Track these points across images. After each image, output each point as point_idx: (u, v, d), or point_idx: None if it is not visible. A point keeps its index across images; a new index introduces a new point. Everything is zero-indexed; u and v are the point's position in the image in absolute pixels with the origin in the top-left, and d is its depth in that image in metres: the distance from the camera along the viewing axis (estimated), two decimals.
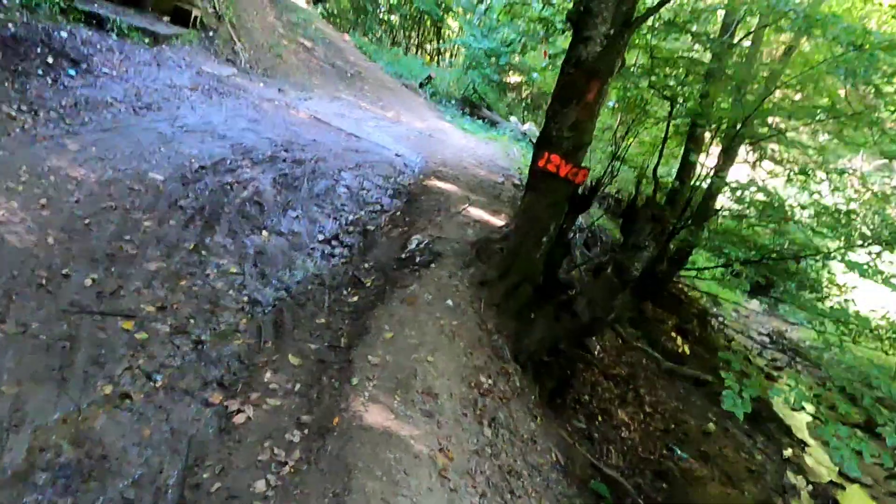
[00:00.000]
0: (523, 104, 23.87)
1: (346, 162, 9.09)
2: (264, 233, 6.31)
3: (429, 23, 31.91)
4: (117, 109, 7.42)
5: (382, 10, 32.23)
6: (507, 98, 24.15)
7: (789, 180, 8.58)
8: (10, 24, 7.68)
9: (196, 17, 12.07)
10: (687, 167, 11.19)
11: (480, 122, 19.30)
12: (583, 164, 6.08)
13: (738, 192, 6.88)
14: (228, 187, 6.77)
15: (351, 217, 7.47)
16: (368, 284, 5.90)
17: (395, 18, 32.91)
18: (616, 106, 13.05)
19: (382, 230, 7.31)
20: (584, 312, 5.83)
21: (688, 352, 9.84)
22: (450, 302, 5.71)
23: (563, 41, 13.50)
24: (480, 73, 21.79)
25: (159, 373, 4.09)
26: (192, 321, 4.69)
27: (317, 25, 25.63)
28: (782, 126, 9.64)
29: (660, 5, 6.23)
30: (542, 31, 10.60)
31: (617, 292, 5.67)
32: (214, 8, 13.42)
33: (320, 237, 6.76)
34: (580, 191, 6.28)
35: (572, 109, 5.86)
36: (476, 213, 8.27)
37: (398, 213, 7.97)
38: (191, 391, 4.02)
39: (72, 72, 7.69)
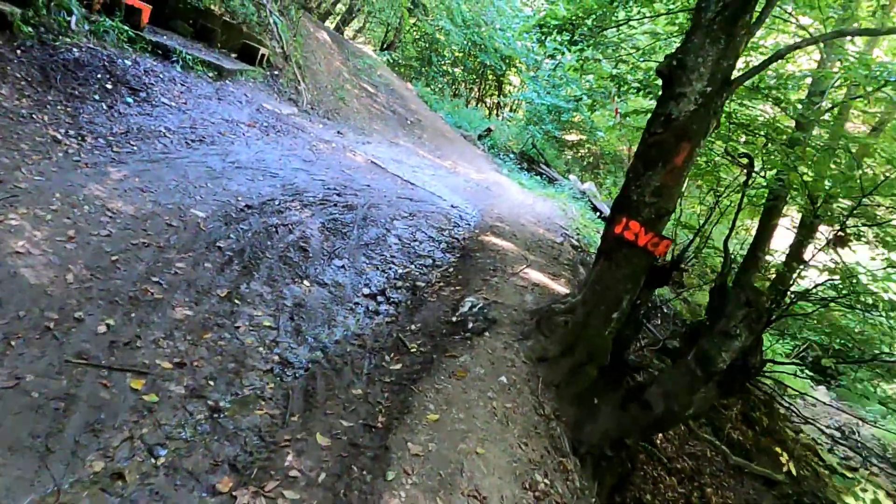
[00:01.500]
0: (584, 163, 23.20)
1: (399, 210, 8.48)
2: (306, 282, 5.67)
3: (491, 77, 31.80)
4: (169, 140, 6.98)
5: (446, 61, 32.30)
6: (565, 155, 23.54)
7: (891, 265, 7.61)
8: (74, 49, 7.39)
9: (263, 56, 11.82)
10: (763, 241, 10.25)
11: (538, 178, 18.66)
12: (664, 234, 5.32)
13: (833, 278, 5.98)
14: (273, 230, 6.19)
15: (400, 270, 6.81)
16: (414, 350, 5.17)
17: (458, 71, 32.93)
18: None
19: (433, 287, 6.61)
20: (657, 404, 4.97)
21: (755, 443, 8.78)
22: (504, 379, 4.93)
23: (633, 101, 12.84)
24: (541, 128, 21.27)
25: (163, 447, 3.41)
26: (211, 383, 4.01)
27: (381, 72, 25.66)
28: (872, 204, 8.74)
29: (766, 63, 5.50)
30: (613, 89, 9.93)
31: (699, 385, 4.81)
32: (282, 48, 13.21)
33: (366, 291, 6.09)
34: (659, 263, 5.50)
35: (657, 173, 5.12)
36: (534, 275, 7.52)
37: (451, 269, 7.28)
38: (196, 474, 3.31)
39: (129, 99, 7.32)
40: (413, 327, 5.63)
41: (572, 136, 24.24)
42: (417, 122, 20.62)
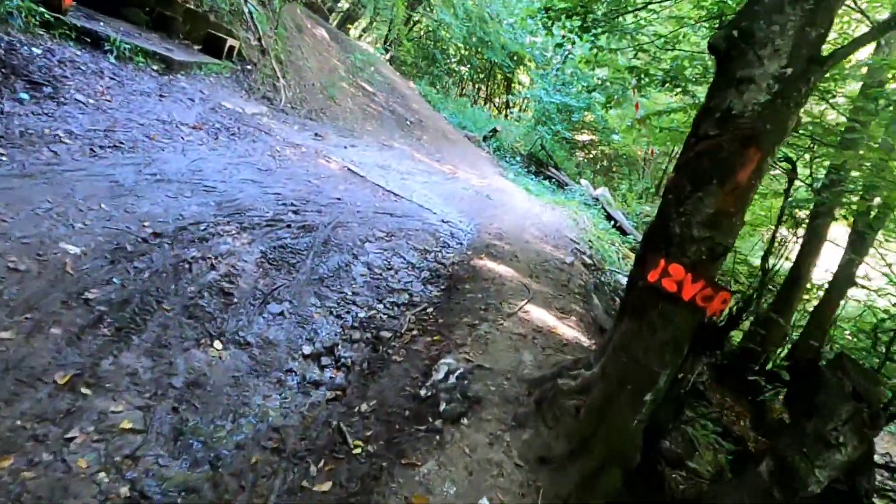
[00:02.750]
0: (597, 165, 21.42)
1: (374, 229, 6.83)
2: (217, 344, 4.02)
3: (499, 76, 30.08)
4: (66, 147, 5.35)
5: (452, 60, 30.61)
6: (576, 157, 21.80)
7: None
8: None
9: (232, 48, 10.20)
10: (807, 261, 8.51)
11: (547, 182, 16.96)
12: (720, 282, 3.64)
13: None
14: (186, 266, 4.55)
15: (362, 314, 5.15)
16: (358, 453, 3.51)
17: (464, 69, 31.23)
18: None
19: (402, 339, 4.94)
20: None
21: None
22: (486, 502, 3.27)
23: (652, 100, 11.13)
24: (550, 129, 19.55)
25: None
26: None
27: (382, 71, 23.99)
28: None
29: (870, 37, 3.78)
30: (632, 80, 8.22)
31: None
32: (259, 41, 11.58)
33: (306, 350, 4.44)
34: (711, 320, 3.81)
35: (711, 194, 3.42)
36: (537, 313, 5.83)
37: (430, 308, 5.61)
38: None
39: (24, 95, 5.70)
40: (364, 407, 3.97)
41: (584, 137, 22.48)
42: (418, 122, 18.97)
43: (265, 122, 8.82)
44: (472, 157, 16.93)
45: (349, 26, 30.60)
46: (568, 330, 5.68)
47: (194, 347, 3.89)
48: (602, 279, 9.47)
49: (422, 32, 29.24)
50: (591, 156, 22.63)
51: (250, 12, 11.53)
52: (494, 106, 31.36)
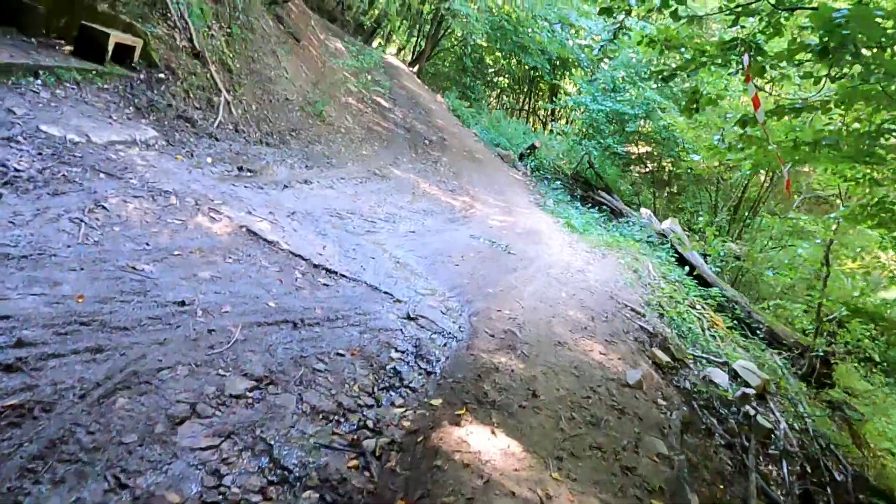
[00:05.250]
0: (667, 194, 17.18)
1: (233, 372, 3.22)
2: None
3: (542, 84, 26.22)
4: None
5: (489, 70, 26.91)
6: (631, 174, 17.73)
7: None
8: None
9: (127, 49, 6.81)
10: None
11: (595, 211, 13.03)
12: None
13: None
14: None
15: None
16: None
17: (502, 80, 27.48)
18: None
19: None
20: None
21: None
22: None
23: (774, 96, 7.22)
24: (598, 142, 15.59)
25: None
26: None
27: (406, 84, 20.57)
28: None
29: None
30: (743, 60, 4.37)
31: None
32: (191, 42, 8.17)
33: None
34: None
35: None
36: None
37: None
38: None
39: None
40: None
41: (639, 149, 18.33)
42: (439, 141, 15.37)
43: (129, 155, 5.31)
44: (500, 182, 13.17)
45: (379, 39, 27.40)
46: None
47: None
48: (688, 381, 5.68)
49: (454, 42, 25.70)
50: (649, 170, 18.47)
51: (176, 2, 8.13)
52: (539, 119, 27.50)
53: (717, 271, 10.23)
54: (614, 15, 5.99)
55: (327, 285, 4.65)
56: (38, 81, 5.53)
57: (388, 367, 3.89)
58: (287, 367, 3.47)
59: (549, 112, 25.26)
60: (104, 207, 4.26)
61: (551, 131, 21.60)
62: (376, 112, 15.43)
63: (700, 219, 12.73)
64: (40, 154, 4.54)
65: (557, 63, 22.32)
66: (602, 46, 6.09)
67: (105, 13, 7.08)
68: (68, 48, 6.59)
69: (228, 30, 9.51)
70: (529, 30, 18.89)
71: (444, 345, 4.46)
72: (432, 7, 21.95)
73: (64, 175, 4.42)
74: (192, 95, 7.79)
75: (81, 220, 3.99)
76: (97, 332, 3.13)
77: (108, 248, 3.85)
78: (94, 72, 6.28)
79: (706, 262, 10.20)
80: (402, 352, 4.14)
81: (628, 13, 6.18)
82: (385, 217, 7.21)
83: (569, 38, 19.02)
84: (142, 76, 7.11)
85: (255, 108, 9.16)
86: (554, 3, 18.09)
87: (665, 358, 5.84)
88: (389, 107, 16.84)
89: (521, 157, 16.89)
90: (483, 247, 7.39)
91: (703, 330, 7.59)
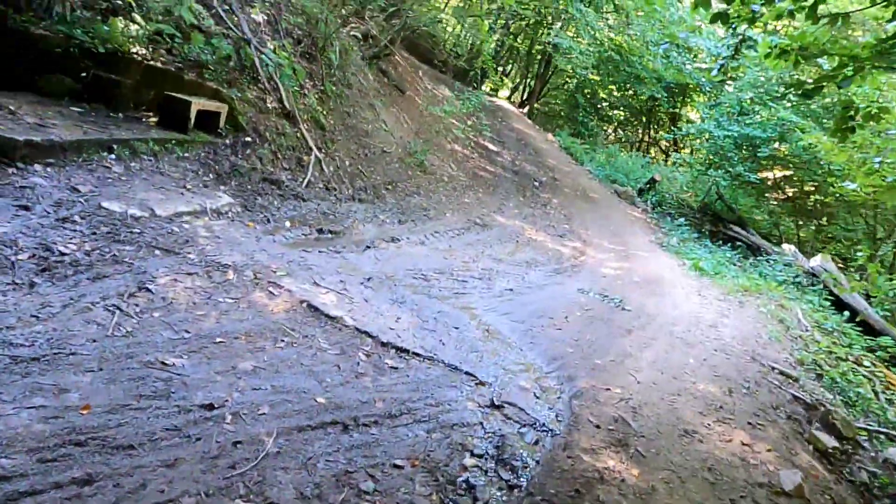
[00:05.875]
0: (814, 225, 15.10)
1: (273, 483, 2.56)
2: None
3: (662, 114, 24.64)
4: None
5: (604, 104, 25.74)
6: (768, 203, 15.85)
7: None
8: None
9: (211, 115, 6.66)
10: None
11: (727, 248, 11.54)
12: None
13: None
14: None
15: None
16: None
17: (618, 113, 26.18)
18: None
19: None
20: None
21: None
22: None
23: None
24: (727, 170, 14.03)
25: None
26: None
27: (514, 125, 20.00)
28: None
29: None
30: None
31: None
32: (281, 102, 7.98)
33: None
34: None
35: None
36: None
37: None
38: None
39: None
40: None
41: (776, 174, 16.36)
42: (550, 182, 14.54)
43: (195, 227, 4.94)
44: (616, 223, 12.05)
45: (489, 83, 27.17)
46: None
47: None
48: (864, 471, 4.42)
49: (565, 78, 24.85)
50: (789, 197, 16.41)
51: (265, 64, 7.99)
52: (661, 150, 25.81)
53: (885, 315, 8.48)
54: (733, 25, 4.98)
55: (395, 368, 3.92)
56: (112, 156, 5.35)
57: (458, 481, 3.07)
58: (326, 490, 2.75)
59: (671, 142, 23.64)
60: (148, 290, 3.82)
61: (673, 163, 20.03)
62: (483, 157, 14.88)
63: (858, 253, 10.84)
64: (94, 234, 4.23)
65: (676, 90, 20.86)
66: (722, 65, 5.11)
67: (192, 82, 6.99)
68: (154, 120, 6.51)
69: (322, 87, 9.31)
70: (644, 58, 17.71)
71: (535, 442, 3.56)
72: (541, 46, 21.34)
73: (114, 255, 4.05)
74: (280, 156, 7.53)
75: (117, 308, 3.55)
76: (93, 454, 2.57)
77: (139, 340, 3.37)
78: (173, 141, 6.10)
79: (870, 304, 8.50)
80: (480, 456, 3.30)
81: (751, 22, 5.12)
82: (479, 274, 6.44)
83: (686, 62, 17.62)
84: (227, 141, 6.92)
85: (349, 164, 8.82)
86: (667, 26, 16.85)
87: (830, 442, 4.56)
88: (497, 150, 16.26)
89: (641, 192, 15.62)
90: (593, 302, 6.40)
91: (875, 393, 6.10)
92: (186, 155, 6.21)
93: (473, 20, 15.84)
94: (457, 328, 4.79)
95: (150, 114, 6.59)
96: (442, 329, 4.68)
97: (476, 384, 4.03)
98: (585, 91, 22.49)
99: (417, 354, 4.15)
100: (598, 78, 23.67)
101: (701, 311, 7.00)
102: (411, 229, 7.58)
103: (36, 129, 4.88)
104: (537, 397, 4.08)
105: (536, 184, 14.12)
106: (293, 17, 9.64)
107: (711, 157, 14.88)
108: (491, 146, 16.32)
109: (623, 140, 25.31)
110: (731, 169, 13.66)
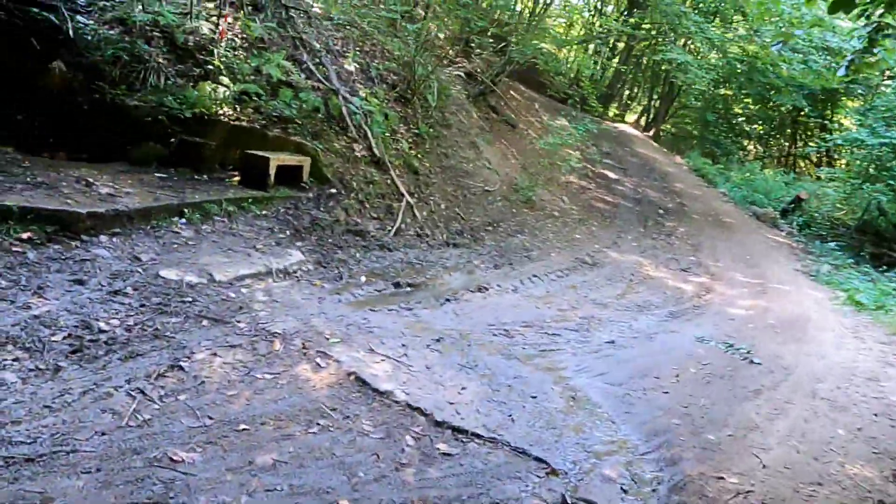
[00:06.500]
0: None
1: None
2: None
3: (809, 125, 22.09)
4: None
5: (738, 120, 23.63)
6: None
7: None
8: None
9: (293, 170, 6.53)
10: None
11: (894, 274, 9.76)
12: None
13: None
14: None
15: None
16: None
17: (757, 127, 23.91)
18: None
19: None
20: None
21: None
22: None
23: None
24: (888, 183, 12.07)
25: None
26: None
27: (638, 151, 18.89)
28: None
29: None
30: None
31: None
32: (370, 150, 7.78)
33: None
34: None
35: None
36: None
37: None
38: None
39: None
40: None
41: None
42: (677, 208, 13.34)
43: (254, 291, 4.65)
44: (753, 250, 10.62)
45: (614, 110, 26.04)
46: None
47: None
48: None
49: (694, 96, 23.15)
50: None
51: (353, 112, 7.80)
52: (811, 162, 23.11)
53: None
54: (864, 13, 3.97)
55: (448, 455, 3.30)
56: (182, 220, 5.25)
57: None
58: None
59: (821, 154, 21.14)
60: (181, 368, 3.50)
61: (819, 178, 17.79)
62: (601, 186, 13.96)
63: None
64: (143, 306, 4.03)
65: (822, 96, 18.64)
66: (852, 60, 4.09)
67: (276, 137, 6.92)
68: (236, 179, 6.45)
69: (416, 131, 9.01)
70: (776, 66, 15.99)
71: None
72: (661, 66, 20.04)
73: (155, 329, 3.81)
74: (367, 206, 7.24)
75: (141, 392, 3.25)
76: None
77: (153, 431, 3.02)
78: (250, 200, 5.96)
79: None
80: None
81: (891, 5, 4.07)
82: (576, 324, 5.65)
83: (828, 63, 15.67)
84: (310, 195, 6.73)
85: (444, 207, 8.39)
86: (788, 25, 15.07)
87: None
88: (617, 178, 15.24)
89: (784, 213, 13.88)
90: (713, 354, 5.38)
91: None
92: (265, 213, 6.04)
93: (584, 47, 15.09)
94: (534, 397, 4.07)
95: (235, 173, 6.55)
96: (515, 399, 3.99)
97: (546, 473, 3.30)
98: (717, 107, 20.75)
99: (477, 435, 3.50)
100: (730, 92, 21.86)
101: (857, 360, 5.71)
102: (506, 274, 6.94)
103: (105, 200, 4.87)
104: (625, 491, 3.27)
105: (660, 212, 12.95)
106: (387, 63, 9.49)
107: (868, 169, 12.91)
108: (610, 174, 15.34)
109: (765, 156, 23.01)
110: (892, 181, 11.71)
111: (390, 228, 7.13)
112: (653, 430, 3.94)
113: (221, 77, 7.08)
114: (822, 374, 5.19)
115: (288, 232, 5.97)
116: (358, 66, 8.96)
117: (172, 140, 6.43)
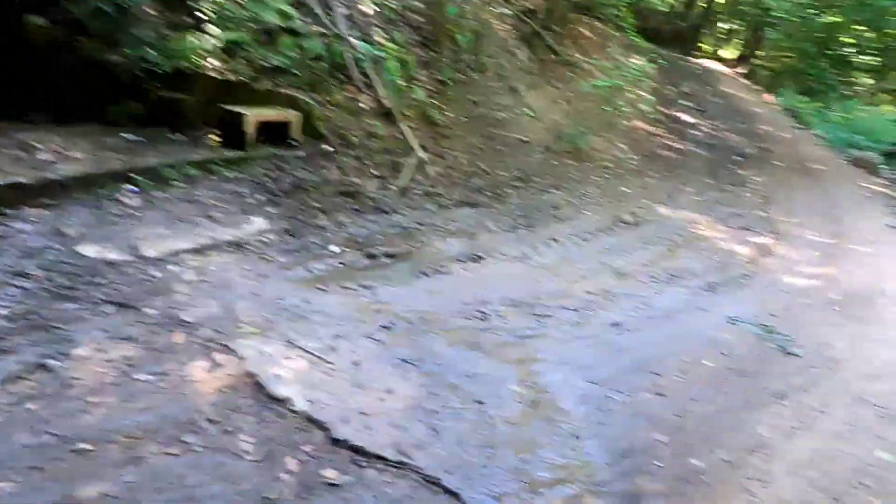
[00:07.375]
0: None
1: None
2: None
3: None
4: None
5: (849, 50, 20.70)
6: None
7: None
8: None
9: (278, 126, 5.90)
10: None
11: None
12: None
13: None
14: None
15: None
16: None
17: (869, 59, 20.88)
18: None
19: None
20: None
21: None
22: None
23: None
24: None
25: None
26: None
27: (724, 90, 16.99)
28: None
29: None
30: None
31: None
32: (378, 101, 7.02)
33: None
34: None
35: None
36: None
37: None
38: None
39: None
40: None
41: None
42: (758, 153, 11.81)
43: (185, 269, 4.06)
44: (839, 201, 9.08)
45: (706, 45, 23.63)
46: None
47: None
48: None
49: (794, 28, 20.38)
50: None
51: (358, 59, 7.01)
52: None
53: None
54: None
55: (334, 486, 2.62)
56: (131, 188, 4.74)
57: None
58: None
59: None
60: (46, 368, 2.99)
61: None
62: (672, 131, 12.51)
63: None
64: (45, 290, 3.54)
65: None
66: None
67: (264, 91, 6.26)
68: (217, 139, 5.88)
69: (439, 77, 8.11)
70: None
71: None
72: None
73: (45, 319, 3.32)
74: (369, 163, 6.51)
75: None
76: None
77: None
78: (220, 161, 5.37)
79: None
80: None
81: None
82: (579, 301, 4.74)
83: None
84: (300, 153, 6.06)
85: (466, 162, 7.52)
86: None
87: None
88: (693, 121, 13.64)
89: (889, 156, 11.92)
90: (742, 341, 4.34)
91: None
92: (238, 176, 5.44)
93: None
94: (480, 402, 3.29)
95: (216, 132, 5.98)
96: (454, 406, 3.23)
97: None
98: (818, 36, 18.21)
99: (381, 458, 2.79)
100: (839, 18, 19.08)
101: None
102: (519, 238, 6.06)
103: (37, 168, 4.42)
104: None
105: (736, 158, 11.43)
106: (410, 2, 8.57)
107: None
108: (685, 117, 13.75)
109: (876, 91, 20.10)
110: None
111: (394, 188, 6.38)
112: (624, 450, 3.09)
113: (210, 26, 6.46)
114: (878, 371, 4.06)
115: (260, 196, 5.35)
116: (376, 9, 8.11)
117: (153, 97, 5.93)
